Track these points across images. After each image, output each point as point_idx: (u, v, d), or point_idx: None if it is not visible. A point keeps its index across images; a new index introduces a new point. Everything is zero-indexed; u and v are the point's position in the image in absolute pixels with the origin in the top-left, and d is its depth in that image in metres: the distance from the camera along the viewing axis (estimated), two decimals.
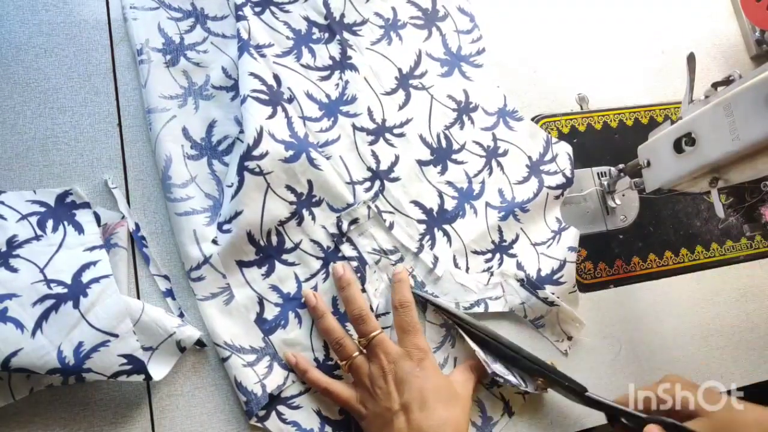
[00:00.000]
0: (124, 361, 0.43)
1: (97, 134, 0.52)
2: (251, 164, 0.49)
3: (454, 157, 0.58)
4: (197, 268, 0.49)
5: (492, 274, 0.56)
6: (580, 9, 0.68)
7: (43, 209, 0.48)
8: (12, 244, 0.45)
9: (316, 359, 0.51)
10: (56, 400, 0.46)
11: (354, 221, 0.53)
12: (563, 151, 0.60)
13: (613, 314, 0.58)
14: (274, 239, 0.51)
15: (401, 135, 0.57)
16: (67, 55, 0.53)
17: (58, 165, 0.50)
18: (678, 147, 0.50)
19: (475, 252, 0.56)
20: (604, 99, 0.65)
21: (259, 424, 0.48)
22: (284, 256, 0.52)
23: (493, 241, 0.57)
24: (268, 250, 0.51)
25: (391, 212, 0.55)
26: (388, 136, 0.57)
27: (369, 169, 0.55)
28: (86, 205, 0.49)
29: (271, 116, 0.51)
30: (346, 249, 0.53)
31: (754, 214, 0.64)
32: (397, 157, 0.56)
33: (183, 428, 0.47)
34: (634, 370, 0.57)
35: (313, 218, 0.52)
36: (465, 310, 0.54)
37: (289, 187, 0.51)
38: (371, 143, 0.56)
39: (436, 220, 0.56)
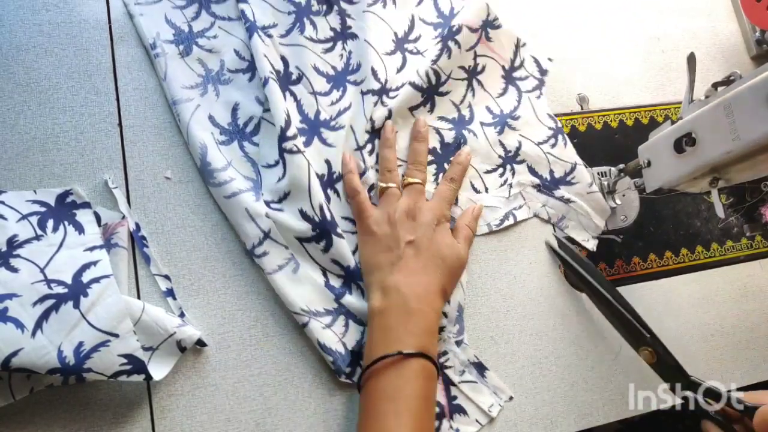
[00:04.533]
0: (125, 361, 0.43)
1: (97, 134, 0.52)
2: (288, 145, 0.51)
3: (440, 90, 0.60)
4: (259, 244, 0.50)
5: (511, 186, 0.59)
6: (580, 9, 0.68)
7: (43, 209, 0.48)
8: (12, 243, 0.45)
9: None
10: (56, 400, 0.46)
11: (371, 188, 0.55)
12: (528, 55, 0.63)
13: None
14: (327, 214, 0.52)
15: (396, 97, 0.58)
16: (67, 54, 0.53)
17: (58, 165, 0.50)
18: (678, 147, 0.50)
19: (488, 171, 0.59)
20: (604, 99, 0.65)
21: (348, 381, 0.50)
22: (338, 229, 0.52)
23: (499, 156, 0.60)
24: (324, 225, 0.51)
25: (399, 165, 0.57)
26: (384, 98, 0.58)
27: (366, 131, 0.57)
28: (86, 205, 0.49)
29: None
30: None
31: (754, 214, 0.65)
32: (390, 111, 0.57)
33: (183, 428, 0.47)
34: (634, 370, 0.57)
35: (339, 196, 0.55)
36: (497, 226, 0.57)
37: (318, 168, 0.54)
38: (374, 104, 0.57)
39: (442, 156, 0.58)
